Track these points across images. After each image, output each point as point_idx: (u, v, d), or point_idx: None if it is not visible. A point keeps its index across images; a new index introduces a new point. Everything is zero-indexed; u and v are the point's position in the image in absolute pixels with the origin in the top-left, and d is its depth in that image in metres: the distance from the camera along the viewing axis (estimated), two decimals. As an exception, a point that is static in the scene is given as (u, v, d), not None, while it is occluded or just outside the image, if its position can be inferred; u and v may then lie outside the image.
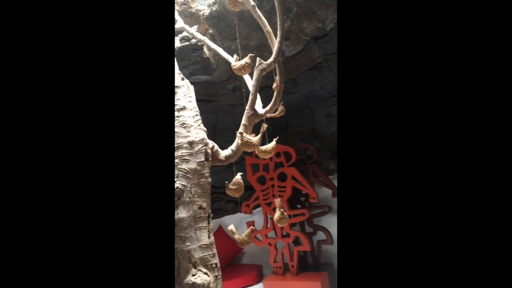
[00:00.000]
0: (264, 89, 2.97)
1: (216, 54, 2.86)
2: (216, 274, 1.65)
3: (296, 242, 3.38)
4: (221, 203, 3.94)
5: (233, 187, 1.92)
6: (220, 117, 3.68)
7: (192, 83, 2.00)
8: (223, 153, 1.92)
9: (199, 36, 2.46)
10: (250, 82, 2.15)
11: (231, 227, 1.97)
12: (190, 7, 2.84)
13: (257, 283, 3.54)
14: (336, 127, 3.27)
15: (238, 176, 1.99)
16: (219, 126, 3.70)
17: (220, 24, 2.87)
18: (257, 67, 1.90)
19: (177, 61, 2.05)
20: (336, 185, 3.41)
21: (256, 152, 1.93)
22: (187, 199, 1.66)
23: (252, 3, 1.88)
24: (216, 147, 1.90)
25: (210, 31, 2.93)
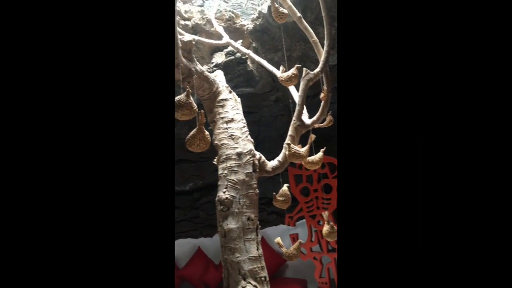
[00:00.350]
0: (306, 99, 2.94)
1: (259, 66, 2.92)
2: None
3: (343, 257, 3.22)
4: (264, 214, 3.92)
5: (281, 198, 1.90)
6: (262, 128, 3.71)
7: (236, 95, 2.04)
8: (270, 164, 1.92)
9: (244, 50, 2.53)
10: (294, 92, 2.14)
11: (278, 239, 1.94)
12: (235, 23, 2.94)
13: (302, 298, 3.42)
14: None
15: (285, 188, 1.97)
16: (262, 137, 3.73)
17: (263, 37, 2.93)
18: (303, 77, 1.89)
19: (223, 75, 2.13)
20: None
21: (303, 163, 1.89)
22: (236, 210, 1.68)
23: (298, 14, 1.89)
24: (263, 158, 1.91)
25: (254, 44, 3.00)
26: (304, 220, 3.49)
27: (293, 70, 1.84)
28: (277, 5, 1.82)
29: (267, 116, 3.65)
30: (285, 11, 1.86)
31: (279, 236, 2.05)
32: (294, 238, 3.41)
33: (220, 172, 1.78)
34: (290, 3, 1.87)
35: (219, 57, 3.05)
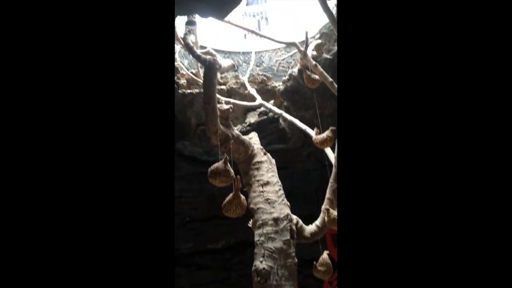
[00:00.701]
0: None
1: (291, 124, 2.98)
2: None
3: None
4: (299, 278, 3.63)
5: (322, 268, 1.75)
6: (295, 182, 3.64)
7: (268, 151, 2.05)
8: (308, 229, 1.82)
9: (277, 110, 2.62)
10: (329, 150, 2.11)
11: (320, 316, 1.74)
12: (267, 85, 3.11)
13: None
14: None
15: (325, 255, 1.83)
16: (294, 191, 3.64)
17: (294, 96, 3.04)
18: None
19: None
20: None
21: (344, 228, 1.77)
22: (274, 283, 1.56)
23: (330, 79, 1.95)
24: (301, 222, 1.82)
25: (285, 103, 3.11)
26: (345, 286, 3.16)
27: (327, 133, 1.84)
28: (309, 72, 1.90)
29: (299, 171, 3.61)
30: (317, 77, 1.93)
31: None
32: (335, 307, 3.07)
33: (256, 238, 1.71)
34: (322, 69, 1.96)
35: (252, 117, 3.17)
